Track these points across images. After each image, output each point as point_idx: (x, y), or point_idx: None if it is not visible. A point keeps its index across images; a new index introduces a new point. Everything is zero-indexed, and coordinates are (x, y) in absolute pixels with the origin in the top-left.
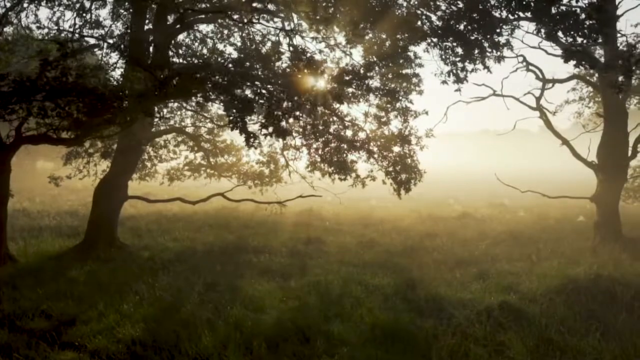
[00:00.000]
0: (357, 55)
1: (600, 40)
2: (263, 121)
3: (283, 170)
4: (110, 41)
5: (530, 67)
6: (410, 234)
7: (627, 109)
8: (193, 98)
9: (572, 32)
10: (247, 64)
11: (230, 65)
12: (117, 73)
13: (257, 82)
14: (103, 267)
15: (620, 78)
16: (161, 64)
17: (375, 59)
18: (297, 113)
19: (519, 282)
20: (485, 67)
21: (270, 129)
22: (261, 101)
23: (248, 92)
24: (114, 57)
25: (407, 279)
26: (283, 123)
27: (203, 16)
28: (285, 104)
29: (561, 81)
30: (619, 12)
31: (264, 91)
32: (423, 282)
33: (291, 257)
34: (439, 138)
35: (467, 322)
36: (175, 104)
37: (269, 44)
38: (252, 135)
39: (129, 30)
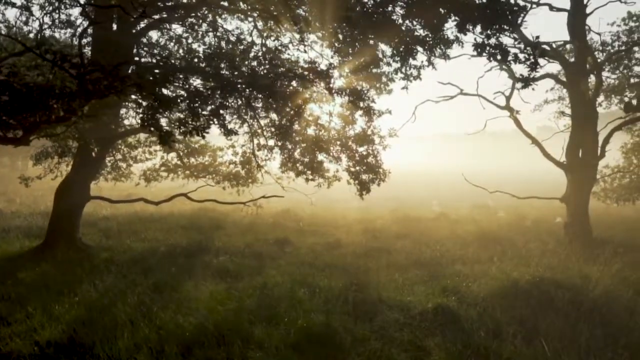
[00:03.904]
0: (321, 51)
1: (508, 33)
2: (182, 119)
3: (258, 171)
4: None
5: (503, 66)
6: (379, 235)
7: (608, 108)
8: (132, 96)
9: (485, 24)
10: (212, 62)
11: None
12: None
13: (188, 81)
14: (56, 268)
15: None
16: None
17: (341, 58)
18: (222, 112)
19: (466, 284)
20: (430, 64)
21: (190, 127)
22: (185, 98)
23: (168, 90)
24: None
25: (356, 281)
26: (229, 122)
27: (162, 15)
28: (216, 102)
29: (533, 80)
30: (588, 9)
31: (191, 89)
32: (370, 284)
33: (252, 258)
34: (436, 139)
35: (397, 326)
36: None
37: (242, 44)
38: (166, 132)
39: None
